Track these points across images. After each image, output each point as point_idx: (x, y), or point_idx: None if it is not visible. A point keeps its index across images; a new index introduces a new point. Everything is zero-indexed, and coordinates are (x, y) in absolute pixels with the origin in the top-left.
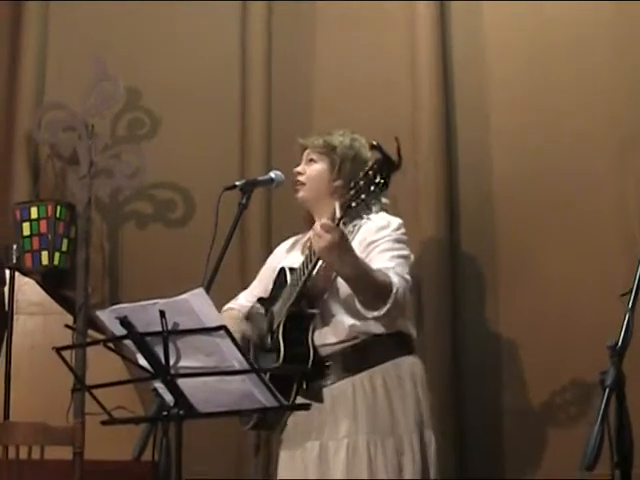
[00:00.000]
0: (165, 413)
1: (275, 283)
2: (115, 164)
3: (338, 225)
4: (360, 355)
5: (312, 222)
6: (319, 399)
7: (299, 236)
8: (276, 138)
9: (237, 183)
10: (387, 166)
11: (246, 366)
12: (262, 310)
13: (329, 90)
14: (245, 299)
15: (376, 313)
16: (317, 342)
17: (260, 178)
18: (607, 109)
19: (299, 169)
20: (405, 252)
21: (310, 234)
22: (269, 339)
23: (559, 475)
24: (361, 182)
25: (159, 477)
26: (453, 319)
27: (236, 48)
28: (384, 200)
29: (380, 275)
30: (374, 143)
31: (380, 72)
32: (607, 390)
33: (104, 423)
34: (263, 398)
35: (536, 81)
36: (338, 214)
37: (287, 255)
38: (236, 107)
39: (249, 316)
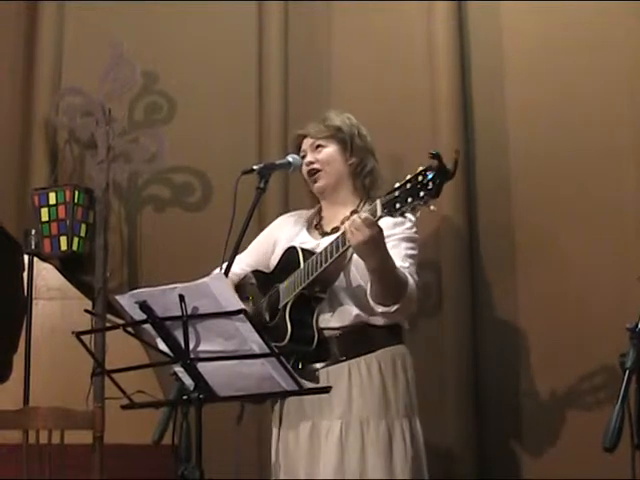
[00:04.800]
0: (185, 397)
1: (282, 260)
2: (133, 148)
3: (377, 222)
4: (358, 340)
5: (315, 198)
6: (314, 380)
7: (301, 212)
8: (293, 122)
9: (255, 167)
10: (442, 175)
11: (266, 350)
12: (254, 281)
13: (346, 74)
14: (238, 267)
15: (386, 309)
16: (320, 325)
17: (278, 162)
18: (627, 86)
19: (309, 159)
20: (415, 252)
21: (325, 218)
22: (267, 315)
23: (578, 457)
24: (408, 184)
25: (179, 461)
26: (472, 299)
27: (254, 31)
28: (432, 207)
29: (400, 274)
30: (434, 152)
31: (397, 57)
32: (627, 372)
33: (124, 407)
34: (283, 381)
35: (554, 58)
36: (379, 212)
37: (289, 231)
38: (254, 90)
39: (239, 286)
